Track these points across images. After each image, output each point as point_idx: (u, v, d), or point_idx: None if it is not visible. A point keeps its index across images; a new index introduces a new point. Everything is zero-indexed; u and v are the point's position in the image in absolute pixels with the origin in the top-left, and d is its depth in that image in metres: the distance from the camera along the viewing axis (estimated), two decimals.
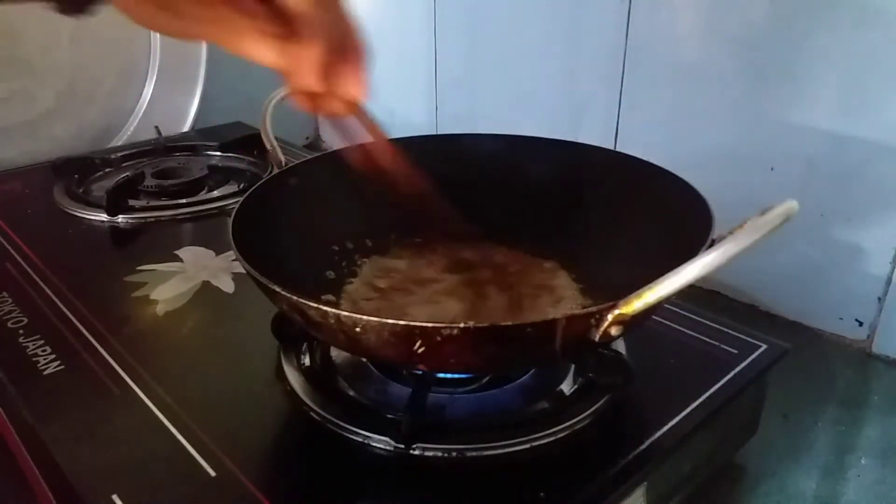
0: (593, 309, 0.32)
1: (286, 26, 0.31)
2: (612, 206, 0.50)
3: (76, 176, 0.79)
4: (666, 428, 0.39)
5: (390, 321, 0.32)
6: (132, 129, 0.97)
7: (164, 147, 0.88)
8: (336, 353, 0.46)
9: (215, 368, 0.46)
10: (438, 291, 0.48)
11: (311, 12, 0.31)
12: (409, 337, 0.32)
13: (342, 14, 0.33)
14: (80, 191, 0.76)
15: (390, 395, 0.42)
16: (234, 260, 0.58)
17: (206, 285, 0.55)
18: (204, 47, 0.96)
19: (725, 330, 0.48)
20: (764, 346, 0.46)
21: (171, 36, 0.33)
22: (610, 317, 0.31)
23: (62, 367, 0.45)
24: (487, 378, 0.43)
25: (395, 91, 0.98)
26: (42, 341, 0.48)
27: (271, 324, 0.44)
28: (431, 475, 0.36)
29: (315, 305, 0.33)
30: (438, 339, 0.31)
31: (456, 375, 0.42)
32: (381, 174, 0.42)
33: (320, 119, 1.11)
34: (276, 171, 0.51)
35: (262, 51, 0.31)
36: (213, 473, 0.36)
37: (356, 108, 0.36)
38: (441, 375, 0.42)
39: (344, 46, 0.33)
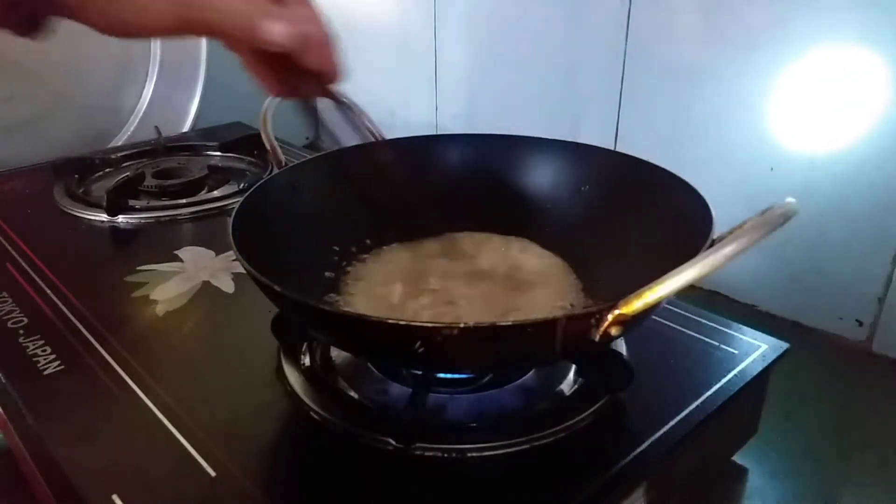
0: (593, 309, 0.32)
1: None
2: (611, 206, 0.50)
3: (76, 176, 0.79)
4: (666, 428, 0.39)
5: (390, 321, 0.32)
6: (132, 129, 0.97)
7: (164, 147, 0.88)
8: (336, 353, 0.46)
9: (215, 368, 0.46)
10: (439, 291, 0.48)
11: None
12: (409, 337, 0.32)
13: (313, 5, 0.38)
14: (80, 191, 0.76)
15: (390, 395, 0.42)
16: (234, 260, 0.58)
17: (206, 285, 0.55)
18: (203, 47, 0.96)
19: (725, 330, 0.48)
20: (764, 346, 0.46)
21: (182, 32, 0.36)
22: (610, 317, 0.31)
23: (62, 367, 0.45)
24: (487, 378, 0.43)
25: (395, 91, 0.98)
26: (42, 341, 0.48)
27: (271, 324, 0.44)
28: (431, 475, 0.36)
29: (315, 305, 0.33)
30: (438, 339, 0.31)
31: (456, 375, 0.42)
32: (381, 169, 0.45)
33: (320, 119, 1.11)
34: (276, 171, 0.51)
35: (274, 32, 0.35)
36: (213, 473, 0.36)
37: (333, 92, 0.42)
38: (441, 375, 0.42)
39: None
